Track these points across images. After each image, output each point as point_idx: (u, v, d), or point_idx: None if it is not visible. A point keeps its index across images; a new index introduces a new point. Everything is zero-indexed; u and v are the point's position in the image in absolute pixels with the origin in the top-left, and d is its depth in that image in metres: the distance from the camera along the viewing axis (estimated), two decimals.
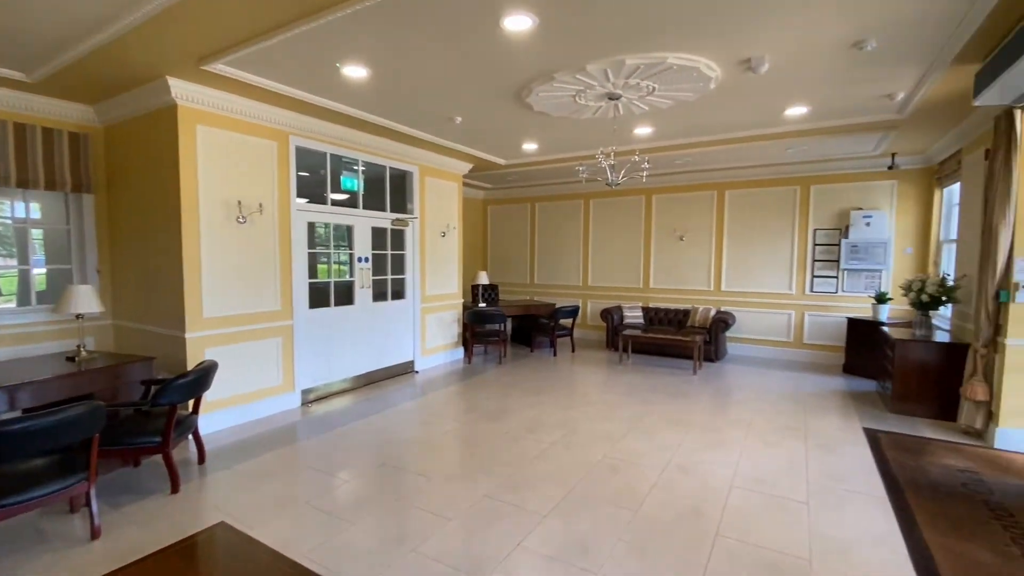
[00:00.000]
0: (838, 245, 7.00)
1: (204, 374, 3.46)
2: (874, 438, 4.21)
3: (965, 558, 2.54)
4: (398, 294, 6.47)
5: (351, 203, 5.81)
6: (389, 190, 6.22)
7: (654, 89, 4.08)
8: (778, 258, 7.46)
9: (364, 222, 5.89)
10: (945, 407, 4.68)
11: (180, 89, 3.92)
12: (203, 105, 4.12)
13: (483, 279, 8.27)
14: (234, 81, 3.89)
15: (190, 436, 3.71)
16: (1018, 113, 3.79)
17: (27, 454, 2.61)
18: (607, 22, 3.01)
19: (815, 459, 3.79)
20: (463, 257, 7.81)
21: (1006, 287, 3.97)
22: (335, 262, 5.93)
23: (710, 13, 2.91)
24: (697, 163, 7.04)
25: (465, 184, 8.62)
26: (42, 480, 2.53)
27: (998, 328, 4.09)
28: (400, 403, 5.24)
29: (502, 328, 7.34)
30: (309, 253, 5.20)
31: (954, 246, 5.54)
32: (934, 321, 5.52)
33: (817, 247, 7.18)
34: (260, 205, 4.60)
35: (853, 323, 6.52)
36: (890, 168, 6.40)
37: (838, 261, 7.02)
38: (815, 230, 7.18)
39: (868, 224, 6.68)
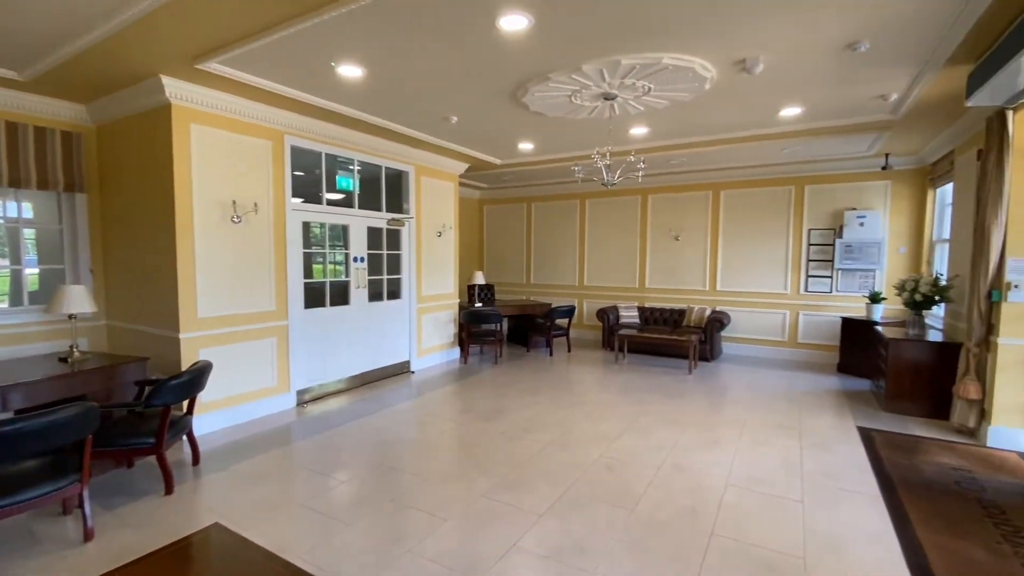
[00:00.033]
0: (832, 245, 7.04)
1: (198, 375, 3.44)
2: (868, 437, 4.24)
3: (958, 556, 2.56)
4: (394, 294, 6.46)
5: (347, 203, 5.80)
6: (385, 190, 6.21)
7: (649, 89, 4.09)
8: (773, 258, 7.49)
9: (360, 222, 5.87)
10: (938, 406, 4.71)
11: (174, 88, 3.90)
12: (197, 104, 4.10)
13: (479, 279, 8.26)
14: (228, 80, 3.87)
15: (184, 437, 3.70)
16: (1010, 114, 3.82)
17: (19, 456, 2.58)
18: (603, 22, 3.01)
19: (810, 458, 3.80)
20: (459, 257, 7.81)
21: (998, 287, 4.00)
22: (331, 262, 5.92)
23: (705, 14, 2.92)
24: (692, 163, 7.06)
25: (461, 184, 8.62)
26: (34, 482, 2.52)
27: (990, 327, 4.12)
28: (396, 403, 5.23)
29: (498, 328, 7.34)
30: (304, 253, 5.19)
31: (947, 246, 5.58)
32: (927, 320, 5.56)
33: (812, 247, 7.22)
34: (255, 205, 4.58)
35: (847, 322, 6.56)
36: (884, 168, 6.44)
37: (832, 261, 7.06)
38: (810, 230, 7.22)
39: (862, 224, 6.72)
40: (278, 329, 4.88)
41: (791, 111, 4.78)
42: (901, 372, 4.88)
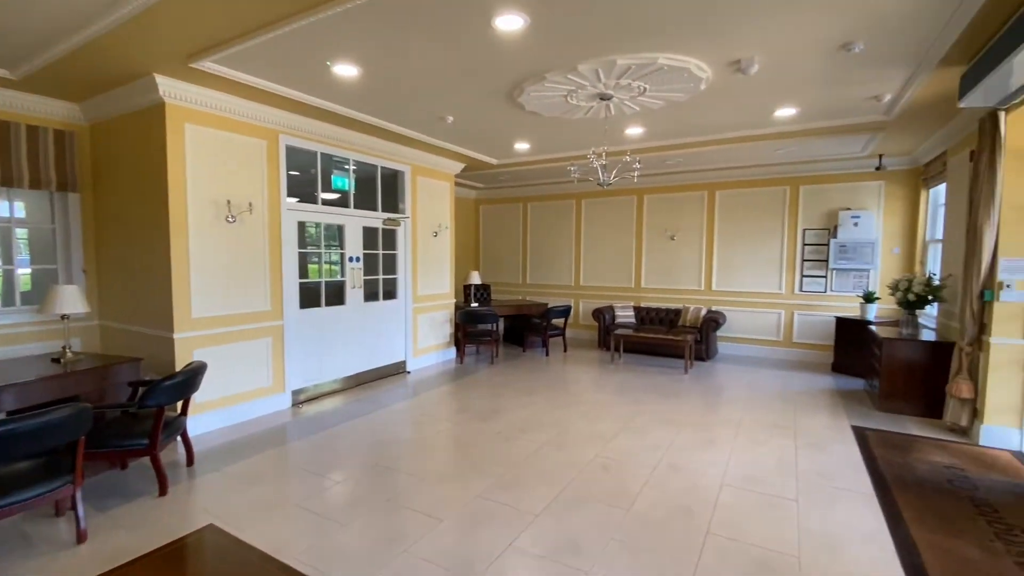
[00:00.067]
0: (827, 245, 7.07)
1: (192, 375, 3.42)
2: (862, 436, 4.26)
3: (951, 554, 2.57)
4: (390, 294, 6.45)
5: (342, 202, 5.78)
6: (380, 189, 6.19)
7: (645, 89, 4.10)
8: (768, 258, 7.52)
9: (355, 222, 5.86)
10: (931, 405, 4.75)
11: (168, 87, 3.88)
12: (191, 103, 4.08)
13: (475, 279, 8.27)
14: (223, 79, 3.85)
15: (178, 438, 3.67)
16: (1002, 115, 3.85)
17: (11, 457, 2.56)
18: (598, 22, 3.02)
19: (804, 457, 3.82)
20: (455, 257, 7.80)
21: (990, 286, 4.03)
22: (326, 262, 5.90)
23: (700, 14, 2.93)
24: (688, 163, 7.08)
25: (457, 184, 8.61)
26: (27, 483, 2.50)
27: (982, 327, 4.15)
28: (392, 403, 5.22)
29: (494, 328, 7.33)
30: (299, 253, 5.17)
31: (940, 246, 5.62)
32: (920, 320, 5.60)
33: (806, 247, 7.25)
34: (250, 204, 4.56)
35: (841, 322, 6.59)
36: (878, 169, 6.48)
37: (827, 261, 7.09)
38: (804, 230, 7.25)
39: (856, 224, 6.76)
40: (273, 329, 4.86)
41: (786, 112, 4.80)
42: (895, 371, 4.91)
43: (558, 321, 8.03)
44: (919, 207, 6.51)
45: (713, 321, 7.22)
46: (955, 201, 4.94)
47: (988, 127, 3.93)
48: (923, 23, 2.99)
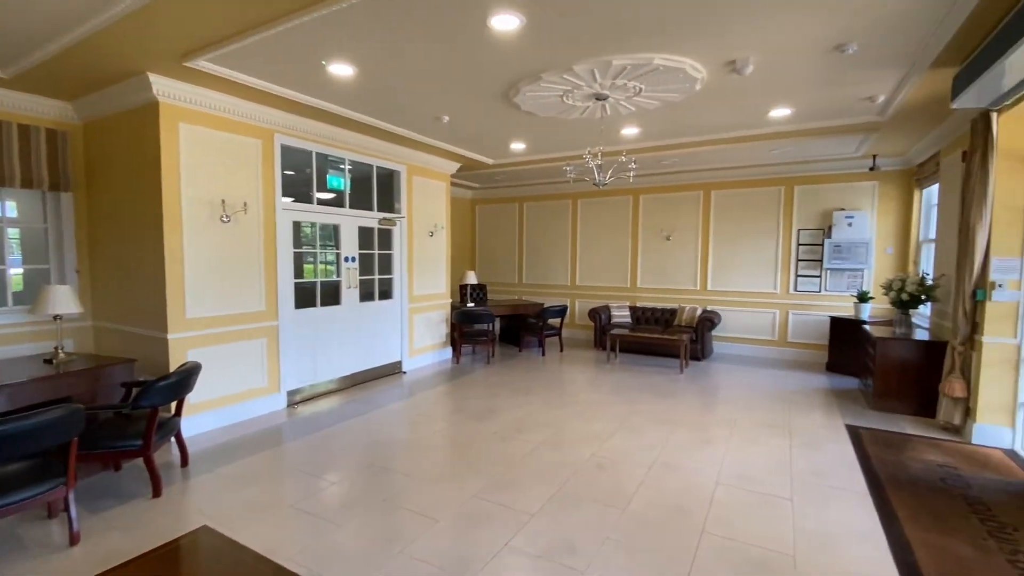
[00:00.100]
0: (821, 245, 7.11)
1: (187, 376, 3.40)
2: (856, 435, 4.29)
3: (945, 552, 2.59)
4: (385, 294, 6.43)
5: (337, 202, 5.76)
6: (376, 189, 6.18)
7: (641, 90, 4.11)
8: (763, 258, 7.55)
9: (351, 221, 5.84)
10: (925, 404, 4.78)
11: (162, 86, 3.86)
12: (186, 102, 4.05)
13: (471, 279, 8.26)
14: (218, 78, 3.83)
15: (172, 439, 3.66)
16: (994, 116, 3.88)
17: (3, 459, 2.53)
18: (594, 22, 3.02)
19: (799, 456, 3.84)
20: (451, 257, 7.79)
21: (983, 286, 4.06)
22: (321, 262, 5.88)
23: (696, 15, 2.93)
24: (683, 163, 7.10)
25: (453, 184, 8.60)
26: (18, 485, 2.48)
27: (975, 326, 4.18)
28: (387, 404, 5.21)
29: (490, 328, 7.33)
30: (295, 253, 5.15)
31: (933, 246, 5.66)
32: (914, 319, 5.63)
33: (801, 247, 7.29)
34: (244, 204, 4.54)
35: (836, 322, 6.63)
36: (871, 169, 6.52)
37: (821, 261, 7.13)
38: (799, 230, 7.29)
39: (850, 224, 6.79)
40: (268, 329, 4.84)
41: (780, 112, 4.82)
42: (888, 370, 4.93)
43: (554, 321, 8.03)
44: (912, 207, 6.55)
45: (708, 321, 7.24)
46: (948, 201, 4.98)
47: (980, 128, 3.96)
48: (916, 25, 3.01)
